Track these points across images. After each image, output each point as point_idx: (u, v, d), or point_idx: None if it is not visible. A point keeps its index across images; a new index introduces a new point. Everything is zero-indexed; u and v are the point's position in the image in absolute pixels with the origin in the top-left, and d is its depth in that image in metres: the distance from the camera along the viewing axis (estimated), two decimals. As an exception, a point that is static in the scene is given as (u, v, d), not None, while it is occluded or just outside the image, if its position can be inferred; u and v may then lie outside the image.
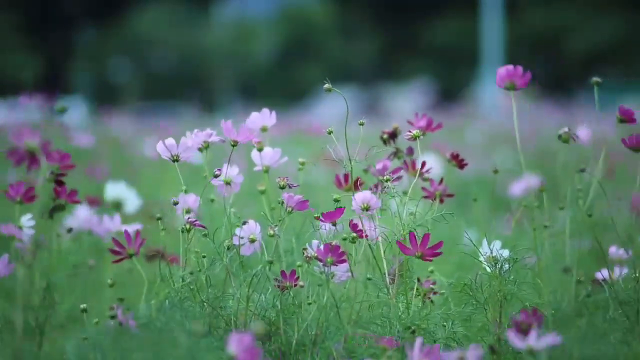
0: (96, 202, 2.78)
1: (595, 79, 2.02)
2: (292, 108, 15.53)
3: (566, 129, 2.03)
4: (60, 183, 2.00)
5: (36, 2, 25.84)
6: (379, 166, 2.13)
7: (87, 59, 26.31)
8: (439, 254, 1.89)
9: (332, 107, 13.18)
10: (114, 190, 2.91)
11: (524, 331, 1.75)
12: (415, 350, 1.68)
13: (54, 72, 24.41)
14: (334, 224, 1.93)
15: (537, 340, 1.66)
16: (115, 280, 2.00)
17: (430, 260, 1.90)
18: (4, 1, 25.02)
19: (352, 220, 1.94)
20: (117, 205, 2.89)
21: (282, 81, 25.07)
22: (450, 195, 2.15)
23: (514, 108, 2.01)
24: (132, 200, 2.91)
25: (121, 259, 1.93)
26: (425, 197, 2.12)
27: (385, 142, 2.17)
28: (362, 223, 1.95)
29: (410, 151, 2.15)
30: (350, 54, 26.10)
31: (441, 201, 2.12)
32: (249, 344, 1.56)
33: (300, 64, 25.22)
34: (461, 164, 2.16)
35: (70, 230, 2.30)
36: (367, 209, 1.95)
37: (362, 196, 1.95)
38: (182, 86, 24.91)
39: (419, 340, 1.68)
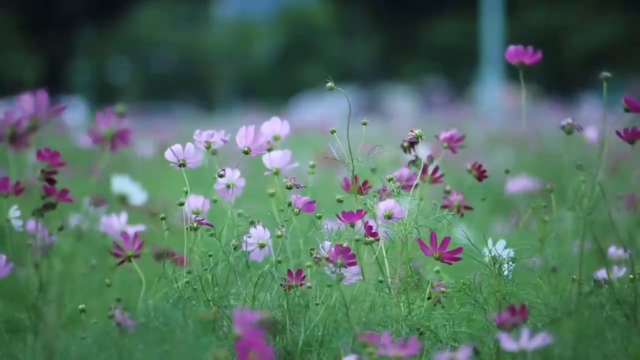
0: (102, 201, 2.76)
1: (605, 73, 2.01)
2: (292, 108, 15.54)
3: (570, 120, 2.03)
4: (51, 181, 1.99)
5: (36, 2, 25.84)
6: (398, 174, 2.12)
7: (87, 59, 26.32)
8: (459, 258, 1.90)
9: (333, 107, 13.18)
10: (120, 183, 2.90)
11: (508, 330, 1.75)
12: (385, 341, 1.67)
13: (54, 72, 24.41)
14: (352, 225, 1.93)
15: (528, 341, 1.66)
16: (119, 280, 2.00)
17: (450, 263, 1.91)
18: (4, 1, 25.01)
19: (367, 222, 1.94)
20: (123, 199, 2.88)
21: (282, 81, 25.07)
22: (468, 208, 2.15)
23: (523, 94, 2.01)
24: (137, 194, 2.90)
25: (122, 262, 1.94)
26: (444, 206, 2.12)
27: (405, 150, 2.16)
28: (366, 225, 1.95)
29: (431, 159, 2.15)
30: (350, 54, 26.09)
31: (459, 212, 2.13)
32: (252, 323, 1.56)
33: (300, 64, 25.22)
34: (482, 175, 2.16)
35: (61, 228, 2.27)
36: (390, 216, 1.96)
37: (386, 204, 1.96)
38: (182, 86, 24.92)
39: (385, 333, 1.68)
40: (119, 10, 26.50)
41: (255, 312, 1.61)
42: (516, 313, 1.77)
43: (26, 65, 23.24)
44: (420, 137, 2.13)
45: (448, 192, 2.15)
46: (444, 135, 2.13)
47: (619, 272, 2.01)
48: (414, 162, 2.16)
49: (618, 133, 1.98)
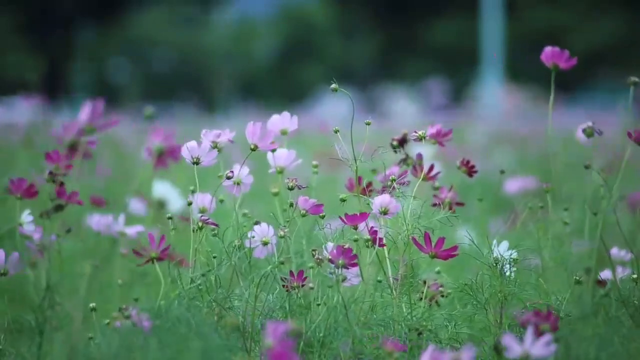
0: (101, 202, 2.78)
1: (634, 78, 2.02)
2: (292, 108, 15.52)
3: (590, 123, 2.04)
4: (60, 183, 2.00)
5: (36, 2, 25.82)
6: (388, 172, 2.13)
7: (87, 59, 26.29)
8: (454, 255, 1.90)
9: (333, 108, 13.17)
10: (160, 189, 2.93)
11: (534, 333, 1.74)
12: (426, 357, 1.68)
13: (54, 72, 24.40)
14: (355, 228, 1.93)
15: (532, 346, 1.65)
16: (121, 281, 2.01)
17: (446, 259, 1.91)
18: (4, 1, 24.99)
19: (372, 227, 1.94)
20: (162, 204, 2.91)
21: (282, 81, 25.06)
22: (460, 204, 2.15)
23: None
24: (175, 200, 2.93)
25: (145, 262, 1.94)
26: (435, 204, 2.12)
27: (394, 148, 2.16)
28: (369, 227, 1.95)
29: (420, 157, 2.16)
30: (350, 54, 26.08)
31: (450, 209, 2.12)
32: (283, 334, 1.59)
33: (301, 64, 25.21)
34: (471, 171, 2.16)
35: (69, 230, 2.28)
36: (385, 212, 1.96)
37: (381, 199, 1.96)
38: (182, 86, 24.89)
39: (430, 348, 1.68)
40: (119, 11, 26.49)
41: (286, 323, 1.63)
42: (541, 316, 1.76)
43: (27, 65, 23.23)
44: (408, 135, 2.14)
45: (437, 189, 2.14)
46: (430, 130, 2.11)
47: (622, 273, 2.02)
48: (404, 161, 2.17)
49: (629, 134, 1.99)
